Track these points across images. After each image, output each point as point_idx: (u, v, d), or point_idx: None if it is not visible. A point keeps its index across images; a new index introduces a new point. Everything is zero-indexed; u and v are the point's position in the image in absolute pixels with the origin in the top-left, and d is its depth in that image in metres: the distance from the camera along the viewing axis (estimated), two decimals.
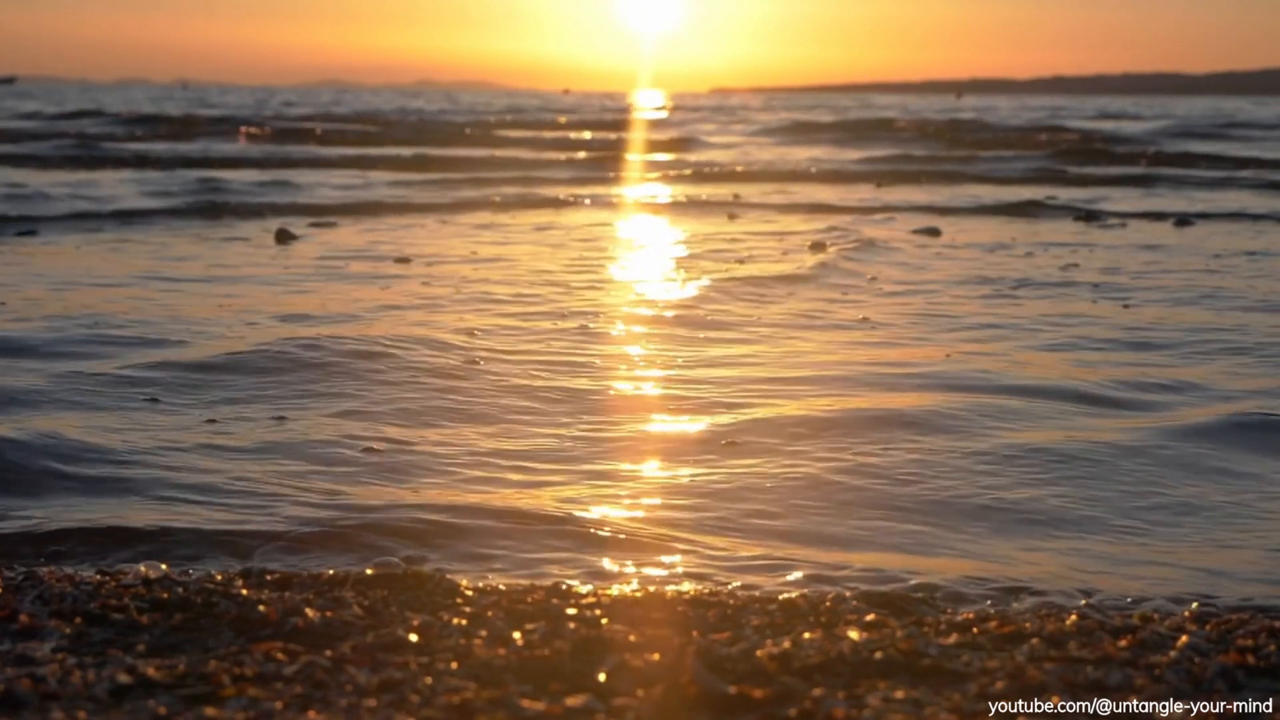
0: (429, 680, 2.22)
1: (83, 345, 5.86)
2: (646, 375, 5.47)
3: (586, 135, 33.64)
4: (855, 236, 11.23)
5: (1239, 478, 4.00)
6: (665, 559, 3.19)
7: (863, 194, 17.22)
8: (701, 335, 6.42)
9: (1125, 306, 7.59)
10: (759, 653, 2.35)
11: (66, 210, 13.12)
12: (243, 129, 31.56)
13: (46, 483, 3.77)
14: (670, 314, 7.05)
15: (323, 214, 13.56)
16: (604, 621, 2.53)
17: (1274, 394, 5.18)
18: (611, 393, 5.09)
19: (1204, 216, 13.97)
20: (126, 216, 12.72)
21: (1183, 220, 13.48)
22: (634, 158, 24.34)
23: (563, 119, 42.99)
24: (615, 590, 2.83)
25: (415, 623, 2.51)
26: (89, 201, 14.00)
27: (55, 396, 4.81)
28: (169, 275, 8.53)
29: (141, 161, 20.90)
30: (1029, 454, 4.16)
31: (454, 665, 2.30)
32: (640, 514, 3.58)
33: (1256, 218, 13.91)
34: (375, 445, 4.22)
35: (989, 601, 2.87)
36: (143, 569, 2.78)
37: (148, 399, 4.82)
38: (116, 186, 16.00)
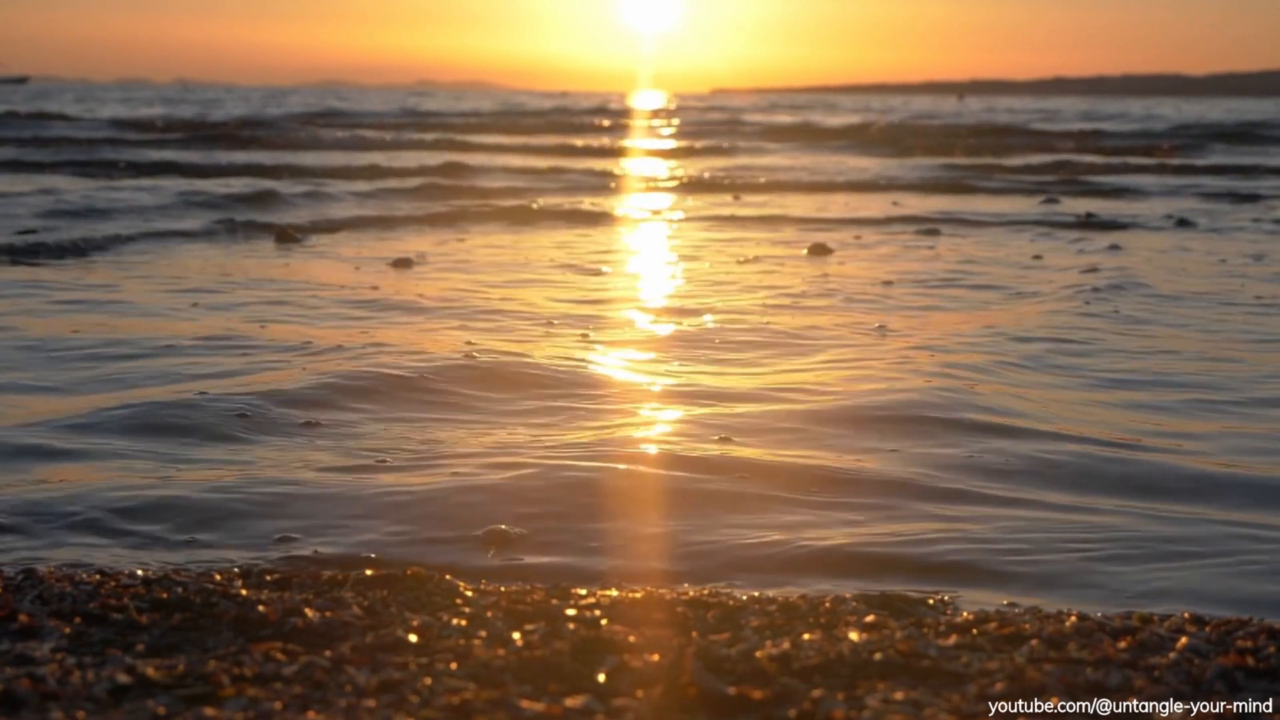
0: (428, 681, 2.22)
1: None
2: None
3: (637, 142, 32.73)
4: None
5: None
6: None
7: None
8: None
9: None
10: (758, 653, 2.35)
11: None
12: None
13: None
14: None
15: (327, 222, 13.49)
16: (603, 622, 2.53)
17: None
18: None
19: None
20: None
21: None
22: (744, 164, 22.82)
23: (605, 121, 41.94)
24: (614, 591, 2.83)
25: (415, 623, 2.51)
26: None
27: None
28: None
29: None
30: None
31: (453, 666, 2.30)
32: None
33: None
34: None
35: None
36: (140, 570, 2.78)
37: None
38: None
